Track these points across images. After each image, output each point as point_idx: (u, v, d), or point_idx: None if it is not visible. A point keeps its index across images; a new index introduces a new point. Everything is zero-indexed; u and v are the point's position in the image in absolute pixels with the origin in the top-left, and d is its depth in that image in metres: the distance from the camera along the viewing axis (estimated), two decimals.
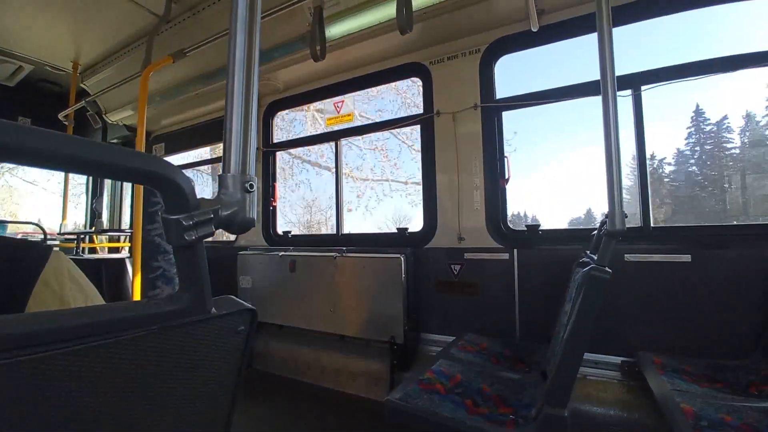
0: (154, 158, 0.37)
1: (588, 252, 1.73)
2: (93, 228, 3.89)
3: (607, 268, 1.17)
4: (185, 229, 0.41)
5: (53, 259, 0.55)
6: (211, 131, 3.79)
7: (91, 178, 4.49)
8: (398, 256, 2.41)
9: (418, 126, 2.71)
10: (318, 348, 2.74)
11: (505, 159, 2.41)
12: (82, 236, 3.77)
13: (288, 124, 5.61)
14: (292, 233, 3.36)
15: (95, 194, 4.32)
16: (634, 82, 2.07)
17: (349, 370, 2.57)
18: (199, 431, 0.54)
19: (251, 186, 0.49)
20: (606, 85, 1.23)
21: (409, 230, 2.75)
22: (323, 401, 2.50)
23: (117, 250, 4.11)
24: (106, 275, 2.74)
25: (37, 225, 4.31)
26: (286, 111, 3.72)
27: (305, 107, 5.26)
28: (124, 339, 0.40)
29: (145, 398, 0.44)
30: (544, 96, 2.30)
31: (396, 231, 2.81)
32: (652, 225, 2.03)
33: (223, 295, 0.54)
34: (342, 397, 2.49)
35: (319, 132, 3.31)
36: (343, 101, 3.14)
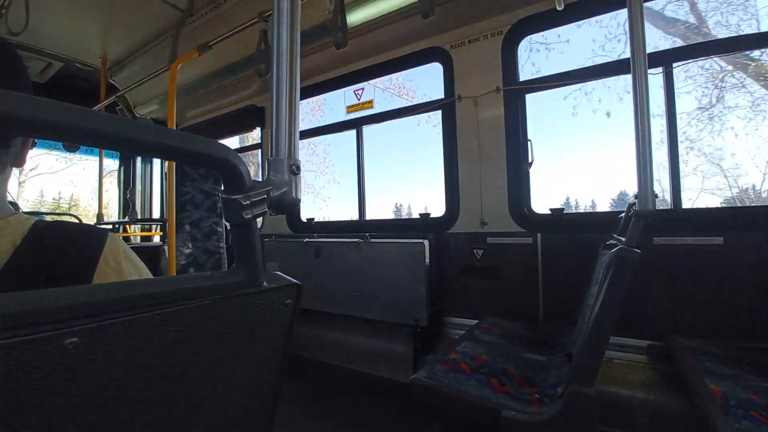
0: (217, 144, 0.41)
1: (615, 235, 1.71)
2: (127, 218, 4.08)
3: (636, 249, 1.16)
4: (243, 208, 0.45)
5: (110, 240, 0.60)
6: (234, 121, 3.87)
7: (122, 169, 4.69)
8: (421, 241, 2.43)
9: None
10: (343, 331, 2.83)
11: (529, 142, 2.38)
12: (117, 225, 3.97)
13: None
14: (315, 220, 3.44)
15: (127, 185, 4.52)
16: (665, 59, 1.99)
17: (373, 352, 2.64)
18: (253, 394, 0.59)
19: (297, 168, 0.52)
20: (636, 63, 1.20)
21: (431, 215, 2.77)
22: (348, 382, 2.59)
23: (149, 238, 4.30)
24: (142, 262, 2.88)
25: (74, 216, 4.55)
26: (306, 100, 3.76)
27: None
28: (191, 307, 0.45)
29: (210, 360, 0.49)
30: (569, 77, 2.25)
31: (419, 216, 2.83)
32: (683, 207, 1.99)
33: (271, 272, 0.59)
34: (366, 378, 2.57)
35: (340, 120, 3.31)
36: (363, 88, 3.15)
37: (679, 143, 2.00)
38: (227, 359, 0.53)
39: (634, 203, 1.23)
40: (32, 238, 0.53)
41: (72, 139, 0.32)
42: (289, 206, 0.52)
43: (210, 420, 0.53)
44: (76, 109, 0.30)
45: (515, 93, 2.39)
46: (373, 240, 2.65)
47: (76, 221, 3.72)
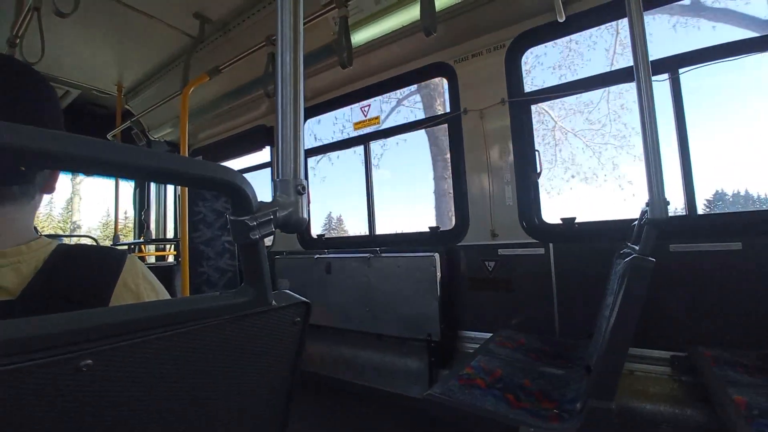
0: (224, 168, 0.42)
1: (629, 243, 1.68)
2: (142, 238, 4.16)
3: (650, 258, 1.14)
4: (250, 229, 0.46)
5: (128, 262, 0.62)
6: (244, 141, 3.96)
7: (137, 191, 4.80)
8: (432, 254, 2.42)
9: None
10: (356, 347, 2.80)
11: (536, 153, 2.37)
12: (132, 246, 4.05)
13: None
14: (326, 236, 3.45)
15: (142, 206, 4.62)
16: (671, 65, 1.99)
17: (387, 368, 2.61)
18: (264, 412, 0.59)
19: (303, 188, 0.53)
20: (639, 71, 1.20)
21: (440, 228, 2.76)
22: (362, 399, 2.55)
23: (163, 258, 4.37)
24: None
25: (91, 237, 4.65)
26: (315, 119, 3.83)
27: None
28: (202, 327, 0.45)
29: (221, 379, 0.50)
30: (574, 86, 2.25)
31: (428, 230, 2.83)
32: (698, 213, 1.94)
33: (280, 290, 0.59)
34: (381, 395, 2.54)
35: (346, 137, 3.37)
36: (369, 105, 3.20)
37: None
38: (238, 378, 0.54)
39: (647, 211, 1.21)
40: (52, 262, 0.54)
41: (83, 169, 0.33)
42: (296, 226, 0.53)
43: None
44: (84, 140, 0.31)
45: (520, 104, 2.40)
46: (383, 255, 2.65)
47: (94, 243, 3.81)
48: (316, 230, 3.52)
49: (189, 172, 0.40)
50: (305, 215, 0.54)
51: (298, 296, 0.58)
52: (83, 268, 0.56)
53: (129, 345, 0.39)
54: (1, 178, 0.54)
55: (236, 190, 0.44)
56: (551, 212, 2.37)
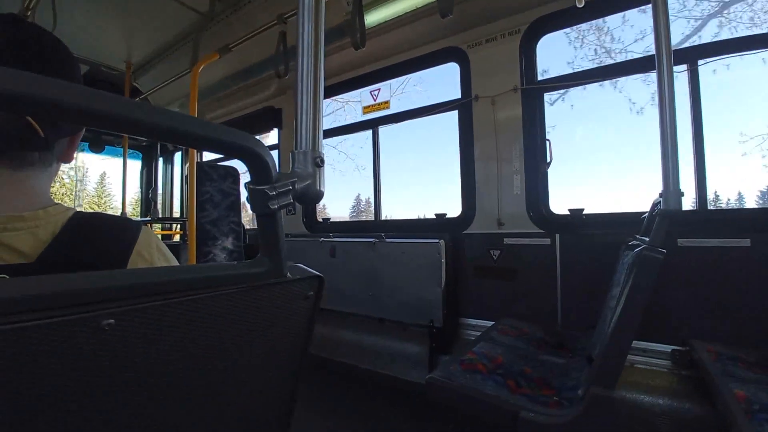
0: (246, 135, 0.42)
1: (638, 236, 1.67)
2: (149, 216, 4.19)
3: (661, 249, 1.14)
4: (269, 198, 0.46)
5: (143, 233, 0.62)
6: (252, 122, 3.94)
7: (145, 170, 4.82)
8: (437, 241, 2.42)
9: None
10: (358, 330, 2.83)
11: (547, 142, 2.35)
12: None
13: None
14: (332, 220, 3.46)
15: (149, 185, 4.64)
16: (690, 56, 1.94)
17: (388, 352, 2.64)
18: (274, 383, 0.60)
19: (321, 161, 0.53)
20: (661, 59, 1.17)
21: (447, 215, 2.76)
22: (362, 382, 2.59)
23: (170, 237, 4.41)
24: None
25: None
26: (326, 101, 3.80)
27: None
28: (218, 294, 0.46)
29: (234, 347, 0.50)
30: (590, 75, 2.21)
31: (434, 216, 2.82)
32: (708, 208, 1.92)
33: (294, 264, 0.60)
34: (381, 378, 2.57)
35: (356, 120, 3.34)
36: (379, 89, 3.16)
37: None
38: (250, 346, 0.54)
39: (659, 202, 1.20)
40: (70, 228, 0.55)
41: (104, 125, 0.33)
42: (313, 198, 0.53)
43: (232, 405, 0.54)
44: (106, 96, 0.31)
45: (533, 92, 2.36)
46: (388, 240, 2.66)
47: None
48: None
49: (210, 136, 0.40)
50: (323, 188, 0.54)
51: (312, 270, 0.58)
52: (100, 236, 0.57)
53: (150, 307, 0.39)
54: (23, 143, 0.54)
55: (257, 157, 0.44)
56: (558, 203, 2.35)
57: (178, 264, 0.74)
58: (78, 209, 0.60)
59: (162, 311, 0.40)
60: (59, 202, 0.61)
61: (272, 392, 0.63)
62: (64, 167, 0.65)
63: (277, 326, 0.57)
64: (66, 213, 0.57)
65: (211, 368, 0.50)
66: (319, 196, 0.54)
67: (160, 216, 4.49)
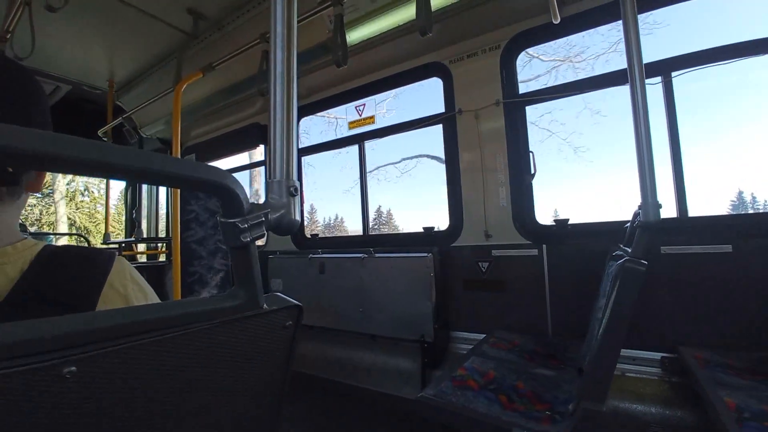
0: (215, 169, 0.41)
1: (622, 245, 1.69)
2: (133, 237, 4.11)
3: (642, 261, 1.15)
4: (241, 231, 0.45)
5: (117, 263, 0.60)
6: (238, 139, 3.92)
7: (129, 190, 4.74)
8: (426, 255, 2.42)
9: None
10: (349, 347, 2.79)
11: (531, 154, 2.38)
12: (123, 245, 3.99)
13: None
14: (320, 236, 3.44)
15: (134, 205, 4.56)
16: (664, 68, 2.00)
17: (379, 368, 2.60)
18: (255, 417, 0.58)
19: (295, 190, 0.52)
20: (633, 73, 1.21)
21: (435, 229, 2.76)
22: (355, 399, 2.54)
23: (155, 257, 4.32)
24: (148, 280, 2.90)
25: (81, 236, 4.59)
26: (309, 117, 3.81)
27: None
28: (190, 332, 0.44)
29: (210, 384, 0.49)
30: (568, 88, 2.26)
31: (422, 230, 2.82)
32: (689, 215, 1.96)
33: (271, 293, 0.58)
34: (373, 396, 2.53)
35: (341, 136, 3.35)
36: (364, 104, 3.18)
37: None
38: (227, 383, 0.53)
39: (639, 213, 1.22)
40: (38, 264, 0.53)
41: (71, 170, 0.32)
42: (288, 228, 0.52)
43: None
44: (72, 141, 0.30)
45: (515, 105, 2.40)
46: (377, 255, 2.64)
47: (84, 243, 3.75)
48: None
49: (179, 174, 0.39)
50: (297, 217, 0.53)
51: (289, 299, 0.57)
52: (70, 270, 0.55)
53: (115, 351, 0.38)
54: None
55: (227, 191, 0.43)
56: (544, 213, 2.38)
57: (154, 293, 0.72)
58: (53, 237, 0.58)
59: (128, 354, 0.39)
60: (26, 236, 0.59)
61: (256, 419, 0.61)
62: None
63: (255, 359, 0.55)
64: (34, 248, 0.56)
65: (187, 407, 0.48)
66: (295, 225, 0.53)
67: (145, 236, 4.41)
